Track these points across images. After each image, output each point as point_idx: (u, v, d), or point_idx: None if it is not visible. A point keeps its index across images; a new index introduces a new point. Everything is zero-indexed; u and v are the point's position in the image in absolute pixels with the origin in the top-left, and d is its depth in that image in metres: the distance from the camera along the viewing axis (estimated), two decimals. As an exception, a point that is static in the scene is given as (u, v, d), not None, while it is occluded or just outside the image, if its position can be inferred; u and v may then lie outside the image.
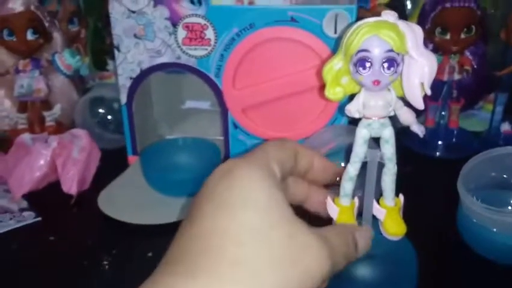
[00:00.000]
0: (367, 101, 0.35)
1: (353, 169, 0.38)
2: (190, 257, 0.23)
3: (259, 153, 0.28)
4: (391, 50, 0.32)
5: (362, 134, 0.36)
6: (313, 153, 0.35)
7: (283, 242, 0.23)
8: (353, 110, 0.36)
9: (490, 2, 0.72)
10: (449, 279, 0.44)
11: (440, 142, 0.67)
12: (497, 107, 0.68)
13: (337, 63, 0.35)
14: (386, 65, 0.32)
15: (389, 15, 0.33)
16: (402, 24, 0.32)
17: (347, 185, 0.39)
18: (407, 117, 0.37)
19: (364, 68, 0.32)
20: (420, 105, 0.34)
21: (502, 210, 0.42)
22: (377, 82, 0.33)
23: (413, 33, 0.32)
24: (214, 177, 0.26)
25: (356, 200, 0.40)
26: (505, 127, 0.67)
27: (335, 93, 0.35)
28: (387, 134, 0.36)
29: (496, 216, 0.41)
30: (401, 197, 0.40)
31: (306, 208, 0.35)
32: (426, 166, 0.64)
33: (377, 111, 0.35)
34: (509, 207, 0.48)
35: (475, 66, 0.64)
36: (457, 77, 0.64)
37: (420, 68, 0.33)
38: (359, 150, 0.37)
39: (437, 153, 0.66)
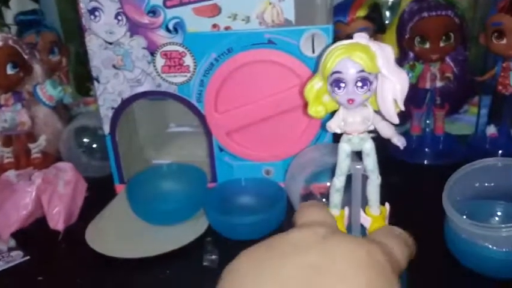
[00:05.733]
0: (345, 118, 0.37)
1: (338, 182, 0.39)
2: None
3: None
4: (363, 71, 0.33)
5: (344, 148, 0.38)
6: None
7: None
8: (333, 126, 0.38)
9: (468, 5, 0.72)
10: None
11: (427, 149, 0.68)
12: (482, 109, 0.69)
13: (317, 83, 0.36)
14: (359, 84, 0.34)
15: (361, 37, 0.34)
16: (373, 45, 0.34)
17: (335, 197, 0.40)
18: (386, 131, 0.38)
19: (339, 88, 0.34)
20: (394, 119, 0.35)
21: (488, 225, 0.42)
22: (351, 101, 0.34)
23: (383, 53, 0.34)
24: None
25: (346, 209, 0.41)
26: (490, 130, 0.67)
27: (317, 111, 0.37)
28: (368, 148, 0.37)
29: (483, 231, 0.41)
30: (387, 205, 0.41)
31: None
32: (415, 174, 0.64)
33: (355, 127, 0.37)
34: (496, 218, 0.48)
35: (457, 73, 0.64)
36: (439, 84, 0.65)
37: (392, 86, 0.34)
38: (342, 164, 0.39)
39: (425, 161, 0.66)
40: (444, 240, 0.46)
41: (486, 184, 0.47)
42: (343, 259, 0.25)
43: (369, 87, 0.34)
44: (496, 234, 0.41)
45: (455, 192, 0.46)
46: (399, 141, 0.38)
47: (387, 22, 0.73)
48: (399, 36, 0.65)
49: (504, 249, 0.41)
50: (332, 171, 0.56)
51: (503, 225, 0.41)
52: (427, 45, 0.62)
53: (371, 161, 0.37)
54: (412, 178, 0.63)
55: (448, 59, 0.64)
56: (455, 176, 0.47)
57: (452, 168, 0.48)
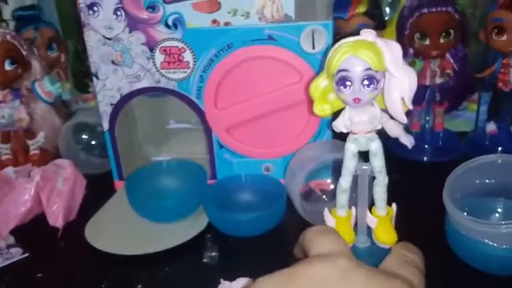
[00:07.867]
0: (352, 117, 0.36)
1: (344, 182, 0.39)
2: None
3: None
4: (369, 69, 0.32)
5: (350, 148, 0.37)
6: None
7: None
8: (339, 125, 0.37)
9: (469, 2, 0.72)
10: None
11: (426, 146, 0.67)
12: (482, 106, 0.68)
13: (322, 81, 0.36)
14: (366, 82, 0.33)
15: (368, 34, 0.33)
16: (380, 42, 0.33)
17: (341, 197, 0.39)
18: (393, 130, 0.37)
19: (345, 86, 0.33)
20: (402, 119, 0.34)
21: (488, 222, 0.42)
22: (357, 100, 0.33)
23: (390, 51, 0.33)
24: None
25: (353, 210, 0.40)
26: (490, 127, 0.67)
27: (322, 109, 0.36)
28: (375, 148, 0.37)
29: (483, 228, 0.41)
30: (394, 206, 0.40)
31: None
32: (414, 171, 0.64)
33: (362, 127, 0.36)
34: (496, 214, 0.48)
35: (457, 69, 0.64)
36: (439, 80, 0.65)
37: (400, 84, 0.33)
38: (349, 164, 0.38)
39: (425, 158, 0.66)
40: (445, 237, 0.46)
41: (487, 181, 0.47)
42: None
43: (376, 85, 0.33)
44: (496, 231, 0.41)
45: (455, 189, 0.46)
46: (407, 141, 0.38)
47: (386, 18, 0.73)
48: (399, 33, 0.65)
49: (504, 246, 0.41)
50: (332, 168, 0.56)
51: (503, 222, 0.41)
52: (427, 42, 0.62)
53: (378, 161, 0.37)
54: (412, 175, 0.63)
55: (447, 56, 0.64)
56: (455, 172, 0.47)
57: (452, 165, 0.47)
